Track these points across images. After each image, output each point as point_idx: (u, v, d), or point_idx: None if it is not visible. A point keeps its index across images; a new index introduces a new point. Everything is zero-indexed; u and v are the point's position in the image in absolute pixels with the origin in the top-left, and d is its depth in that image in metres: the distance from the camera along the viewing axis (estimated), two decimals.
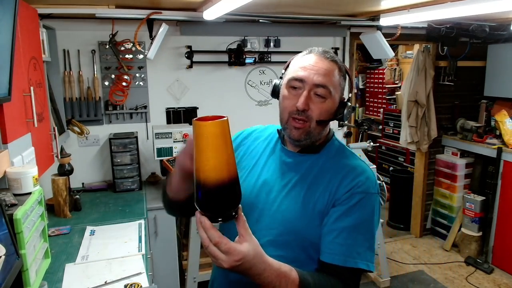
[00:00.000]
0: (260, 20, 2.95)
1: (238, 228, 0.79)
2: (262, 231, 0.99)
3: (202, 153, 0.74)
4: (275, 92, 1.11)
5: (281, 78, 1.10)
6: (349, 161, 1.05)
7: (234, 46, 3.09)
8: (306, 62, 1.02)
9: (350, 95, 1.11)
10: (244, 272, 0.79)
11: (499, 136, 3.48)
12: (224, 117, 0.76)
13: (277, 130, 1.14)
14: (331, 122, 1.09)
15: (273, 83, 1.12)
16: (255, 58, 3.17)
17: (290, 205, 1.01)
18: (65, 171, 2.30)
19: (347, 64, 3.46)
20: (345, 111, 1.05)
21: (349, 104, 1.06)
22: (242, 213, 0.80)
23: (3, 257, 1.06)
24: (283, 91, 1.05)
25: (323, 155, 1.06)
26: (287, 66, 1.09)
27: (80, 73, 2.77)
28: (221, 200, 0.76)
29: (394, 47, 3.66)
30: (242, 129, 1.24)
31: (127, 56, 2.85)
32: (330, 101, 1.01)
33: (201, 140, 0.74)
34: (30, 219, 1.35)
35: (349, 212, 0.96)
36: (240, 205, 0.80)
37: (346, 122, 1.12)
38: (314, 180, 1.02)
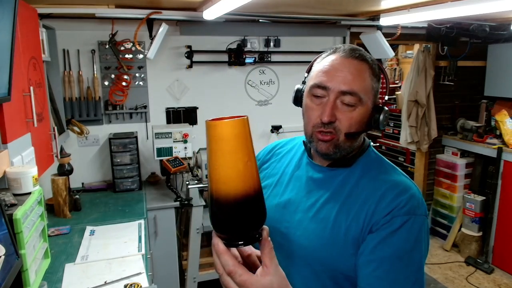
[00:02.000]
0: (260, 20, 2.95)
1: (262, 255, 0.66)
2: (286, 260, 0.85)
3: (216, 159, 0.62)
4: (298, 99, 0.96)
5: (303, 83, 0.95)
6: (390, 177, 0.88)
7: (234, 46, 3.08)
8: (329, 64, 0.87)
9: (386, 98, 0.94)
10: None
11: (499, 136, 3.48)
12: (244, 116, 0.63)
13: (303, 141, 1.00)
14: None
15: (295, 89, 0.96)
16: (255, 58, 3.16)
17: (318, 229, 0.86)
18: (64, 171, 2.30)
19: None
20: (381, 117, 0.88)
21: (386, 108, 0.90)
22: (269, 237, 0.66)
23: (2, 257, 1.06)
24: (306, 100, 0.90)
25: (357, 169, 0.90)
26: (310, 69, 0.94)
27: (80, 73, 2.77)
28: (241, 218, 0.63)
29: (394, 47, 3.65)
30: None
31: (127, 56, 2.85)
32: (361, 109, 0.85)
33: (215, 143, 0.61)
34: (30, 219, 1.35)
35: (389, 239, 0.79)
36: (266, 226, 0.67)
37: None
38: (346, 200, 0.87)
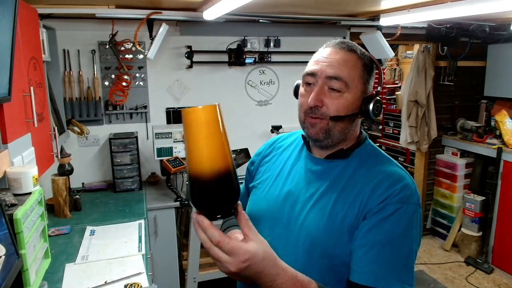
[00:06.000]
0: (260, 20, 2.95)
1: (241, 227, 0.72)
2: (286, 249, 0.90)
3: (193, 142, 0.69)
4: (297, 92, 1.01)
5: None
6: (385, 167, 0.91)
7: (234, 46, 3.09)
8: (319, 55, 0.93)
9: (379, 88, 0.95)
10: (254, 277, 0.71)
11: (499, 136, 3.48)
12: (215, 104, 0.70)
13: (302, 135, 1.03)
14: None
15: (295, 84, 1.03)
16: (255, 58, 3.16)
17: (316, 218, 0.90)
18: (65, 171, 2.30)
19: None
20: (371, 106, 0.90)
21: (377, 98, 0.92)
22: (243, 210, 0.73)
23: (3, 257, 1.06)
24: (300, 89, 0.96)
25: (354, 160, 0.94)
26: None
27: (80, 73, 2.77)
28: (217, 193, 0.70)
29: (394, 47, 3.65)
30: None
31: (127, 56, 2.85)
32: (348, 95, 0.89)
33: (192, 128, 0.68)
34: (30, 219, 1.35)
35: (381, 224, 0.82)
36: (239, 202, 0.74)
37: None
38: (343, 190, 0.90)
